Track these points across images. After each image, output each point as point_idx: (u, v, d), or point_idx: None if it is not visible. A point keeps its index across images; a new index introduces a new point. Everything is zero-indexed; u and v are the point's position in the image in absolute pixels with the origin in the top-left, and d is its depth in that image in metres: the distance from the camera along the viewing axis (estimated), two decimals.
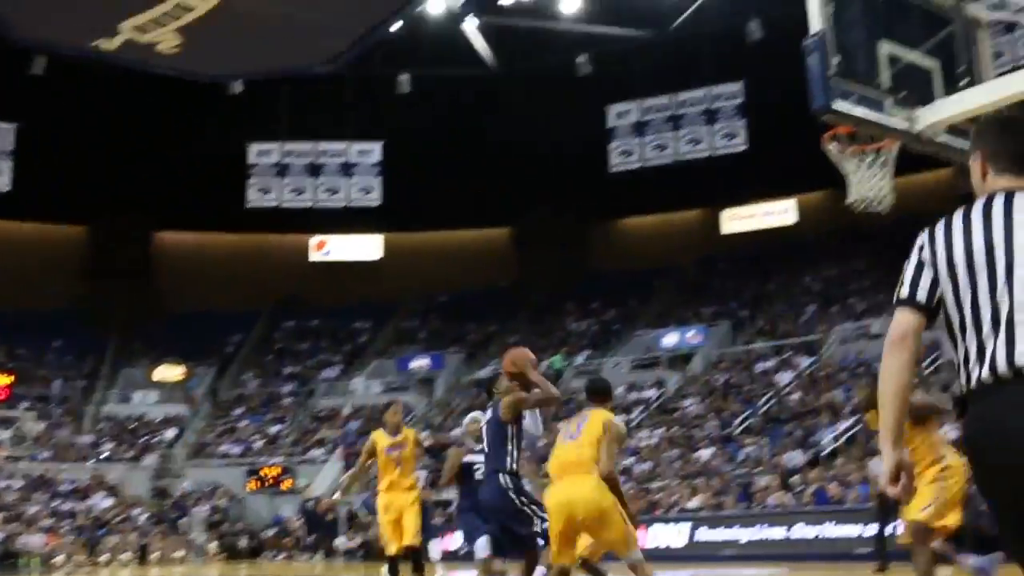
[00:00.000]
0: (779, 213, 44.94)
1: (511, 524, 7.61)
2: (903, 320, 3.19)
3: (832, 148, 7.11)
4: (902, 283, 3.24)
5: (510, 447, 7.55)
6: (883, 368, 3.18)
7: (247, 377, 43.04)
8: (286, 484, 34.21)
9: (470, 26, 36.20)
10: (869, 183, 7.20)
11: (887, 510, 13.69)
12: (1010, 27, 31.13)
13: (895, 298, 3.24)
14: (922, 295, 3.18)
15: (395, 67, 37.07)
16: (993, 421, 2.94)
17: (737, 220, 45.94)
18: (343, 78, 36.11)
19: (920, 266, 3.22)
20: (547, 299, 45.27)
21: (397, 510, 10.10)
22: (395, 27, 33.54)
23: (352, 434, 37.09)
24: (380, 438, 10.38)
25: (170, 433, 38.39)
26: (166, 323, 43.81)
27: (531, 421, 8.26)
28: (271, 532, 31.91)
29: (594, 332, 41.63)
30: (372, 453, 10.36)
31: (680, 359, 36.71)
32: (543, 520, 7.24)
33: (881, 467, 3.22)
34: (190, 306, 43.07)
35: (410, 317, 46.67)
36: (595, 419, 7.46)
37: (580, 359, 39.14)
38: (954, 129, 7.10)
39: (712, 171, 38.03)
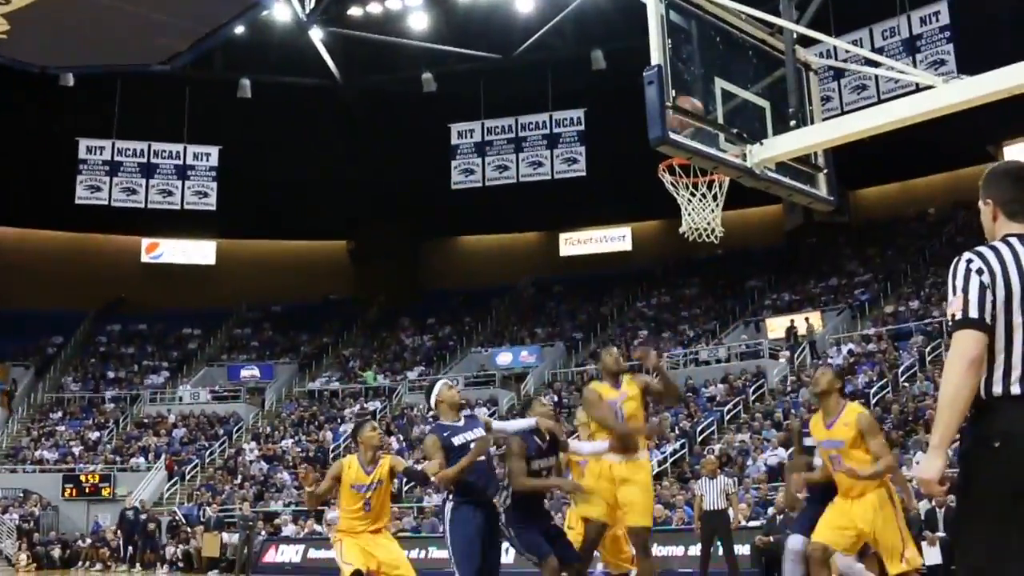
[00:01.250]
0: (615, 239, 45.96)
1: None
2: (975, 341, 3.46)
3: (667, 178, 7.33)
4: (967, 303, 3.48)
5: None
6: (955, 386, 3.41)
7: (68, 380, 41.45)
8: (106, 492, 33.06)
9: (316, 35, 35.86)
10: (701, 214, 7.45)
11: (712, 532, 14.05)
12: (839, 74, 32.38)
13: (957, 317, 3.49)
14: (988, 317, 3.46)
15: (237, 71, 36.42)
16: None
17: (574, 244, 46.78)
18: (182, 79, 35.27)
19: (983, 289, 3.48)
20: (383, 313, 45.10)
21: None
22: (239, 31, 32.92)
23: (177, 443, 36.16)
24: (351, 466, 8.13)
25: None
26: None
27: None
28: (87, 542, 30.74)
29: (429, 348, 41.64)
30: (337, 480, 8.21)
31: (514, 378, 37.05)
32: None
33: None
34: (9, 304, 41.22)
35: (242, 325, 45.81)
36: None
37: (413, 375, 39.09)
38: (783, 166, 7.41)
39: (552, 194, 38.56)
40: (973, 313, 3.46)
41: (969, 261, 3.54)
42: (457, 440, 7.48)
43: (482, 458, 7.39)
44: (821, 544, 7.73)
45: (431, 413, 8.05)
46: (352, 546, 7.90)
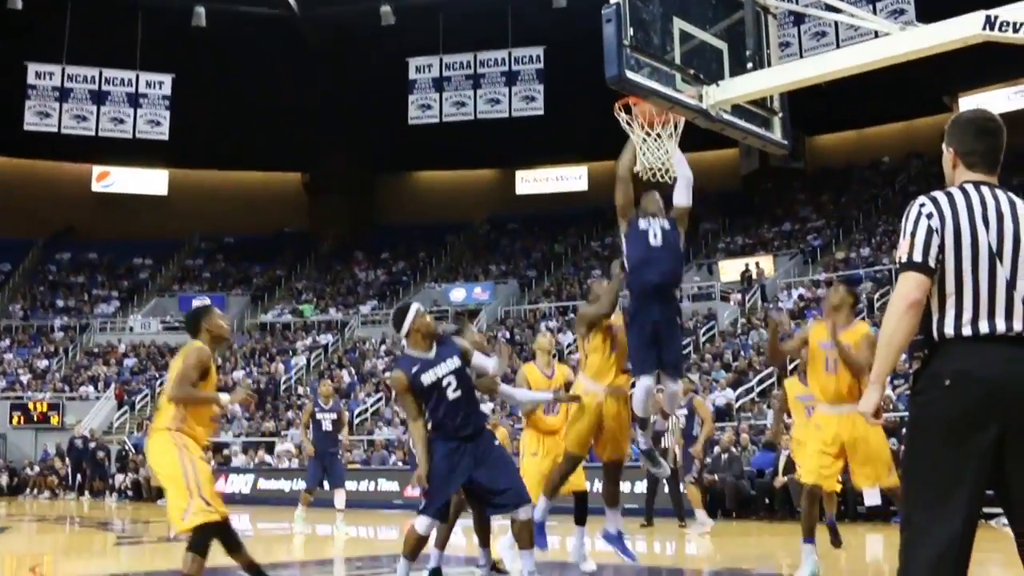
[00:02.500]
0: (572, 178, 45.96)
1: None
2: (916, 284, 3.53)
3: (622, 117, 7.34)
4: (913, 247, 3.55)
5: None
6: (892, 327, 3.51)
7: (15, 308, 41.00)
8: (54, 420, 32.92)
9: None
10: (655, 154, 7.47)
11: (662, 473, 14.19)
12: (799, 20, 32.24)
13: (903, 259, 3.56)
14: (932, 261, 3.52)
15: None
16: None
17: (531, 182, 46.75)
18: (135, 4, 34.60)
19: (930, 232, 3.54)
20: (337, 247, 44.95)
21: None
22: None
23: (127, 372, 36.00)
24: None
25: None
26: None
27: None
28: (35, 470, 30.65)
29: (383, 283, 41.61)
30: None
31: (467, 314, 37.15)
32: None
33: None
34: None
35: (194, 256, 45.48)
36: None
37: (366, 309, 39.10)
38: (739, 109, 7.45)
39: (509, 132, 38.40)
40: (917, 256, 3.52)
41: (921, 205, 3.58)
42: (427, 379, 6.86)
43: (457, 394, 6.89)
44: (811, 484, 7.83)
45: (403, 341, 7.18)
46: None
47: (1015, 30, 6.09)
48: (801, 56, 28.78)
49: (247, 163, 45.10)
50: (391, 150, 42.06)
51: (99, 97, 37.26)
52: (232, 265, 44.23)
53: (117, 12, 34.43)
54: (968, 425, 3.37)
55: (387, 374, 7.04)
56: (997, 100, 36.96)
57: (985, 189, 3.61)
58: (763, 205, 39.56)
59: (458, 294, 38.36)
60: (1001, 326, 3.47)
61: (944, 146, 3.76)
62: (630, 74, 6.45)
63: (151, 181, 46.32)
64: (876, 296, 27.60)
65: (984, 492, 3.42)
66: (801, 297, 30.06)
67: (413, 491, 22.45)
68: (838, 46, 28.47)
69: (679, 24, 6.93)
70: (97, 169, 45.59)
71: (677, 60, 6.94)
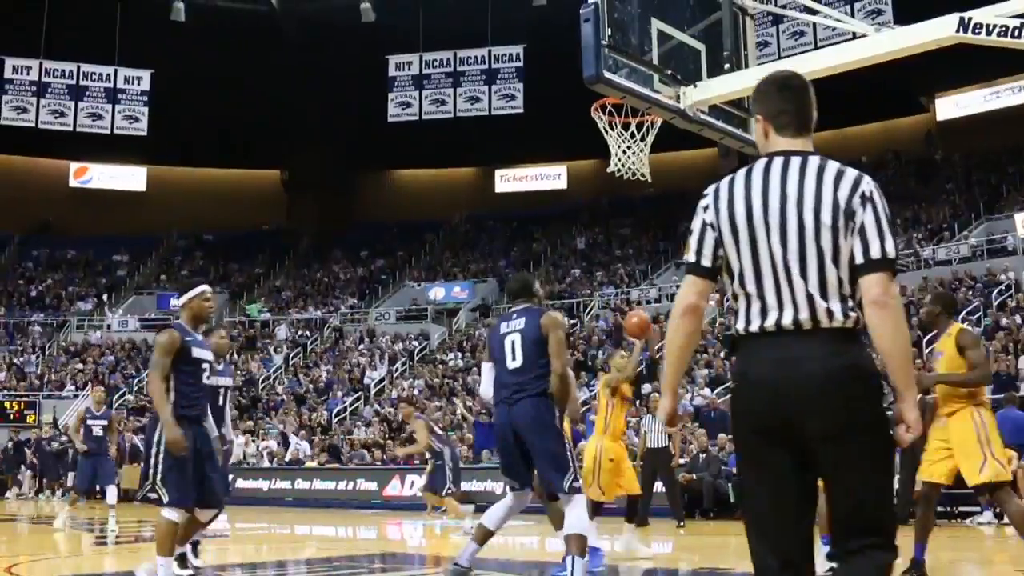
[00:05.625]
0: (551, 177, 46.02)
1: None
2: (690, 289, 3.33)
3: (599, 117, 7.37)
4: (688, 248, 3.33)
5: None
6: (669, 332, 3.33)
7: None
8: (31, 419, 32.67)
9: None
10: (628, 154, 7.51)
11: (653, 470, 14.20)
12: (778, 20, 32.35)
13: (685, 262, 3.36)
14: (707, 261, 3.29)
15: None
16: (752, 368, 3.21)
17: (510, 181, 46.77)
18: None
19: (704, 229, 3.30)
20: (315, 245, 44.85)
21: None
22: None
23: (105, 369, 35.80)
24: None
25: None
26: None
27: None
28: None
29: (361, 280, 41.55)
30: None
31: (446, 313, 37.16)
32: None
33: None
34: None
35: (172, 253, 45.29)
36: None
37: (345, 307, 39.05)
38: (716, 110, 7.48)
39: (488, 130, 38.40)
40: (691, 257, 3.31)
41: (703, 196, 3.33)
42: (196, 353, 7.10)
43: (207, 379, 7.21)
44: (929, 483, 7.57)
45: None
46: None
47: (988, 32, 6.13)
48: (779, 56, 28.87)
49: (225, 160, 44.95)
50: (370, 147, 41.98)
51: (77, 92, 37.09)
52: (210, 262, 44.07)
53: (95, 6, 34.24)
54: (755, 427, 3.16)
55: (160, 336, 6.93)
56: (974, 101, 37.24)
57: (778, 161, 3.26)
58: None
59: (437, 292, 38.34)
60: (772, 320, 3.15)
61: (754, 119, 3.47)
62: (608, 74, 6.47)
63: (129, 177, 46.12)
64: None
65: (794, 480, 3.13)
66: None
67: (391, 491, 22.50)
68: (816, 46, 28.57)
69: (657, 24, 6.95)
70: (75, 165, 45.35)
71: (655, 60, 6.96)
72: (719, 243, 3.25)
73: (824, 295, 3.12)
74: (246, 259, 44.13)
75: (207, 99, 38.03)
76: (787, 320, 3.13)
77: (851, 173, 3.21)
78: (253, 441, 27.95)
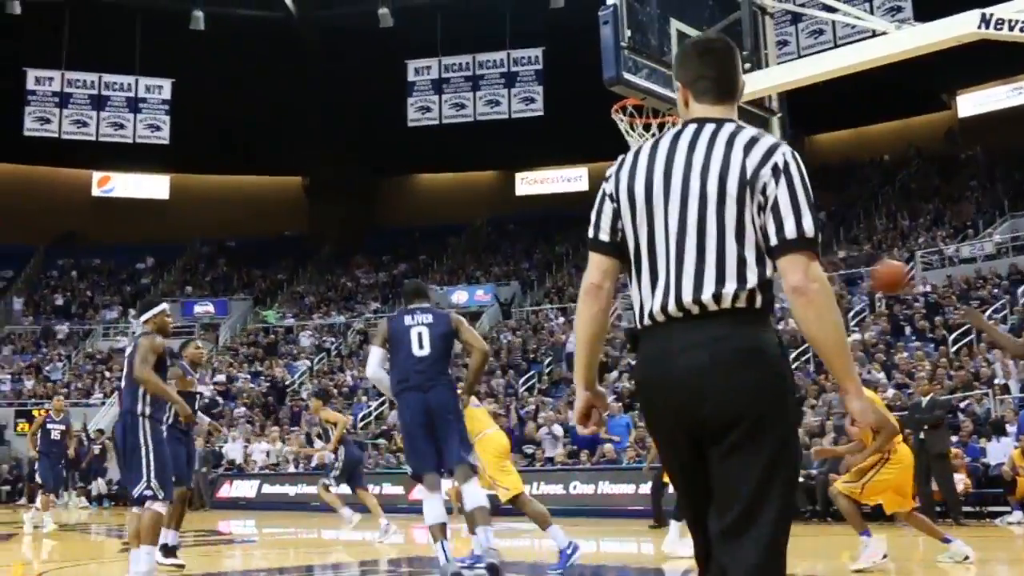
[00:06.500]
0: (572, 179, 45.96)
1: None
2: (592, 267, 3.04)
3: (620, 119, 7.37)
4: (590, 222, 3.06)
5: None
6: (576, 315, 3.04)
7: (18, 315, 41.03)
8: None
9: None
10: None
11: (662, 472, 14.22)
12: (797, 18, 32.30)
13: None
14: (604, 235, 3.03)
15: (189, 2, 35.78)
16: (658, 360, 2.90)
17: (531, 183, 46.76)
18: (133, 8, 34.65)
19: (603, 200, 3.04)
20: (337, 250, 44.96)
21: None
22: None
23: None
24: None
25: None
26: None
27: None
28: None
29: (384, 286, 41.62)
30: None
31: (469, 316, 37.14)
32: None
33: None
34: None
35: (196, 261, 45.52)
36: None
37: (368, 312, 39.12)
38: (737, 109, 7.46)
39: (509, 133, 38.41)
40: (591, 231, 3.04)
41: (610, 167, 3.07)
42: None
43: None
44: None
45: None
46: None
47: (1010, 28, 6.11)
48: (799, 54, 28.76)
49: (247, 167, 45.14)
50: (391, 152, 42.07)
51: (99, 102, 37.34)
52: (233, 269, 44.25)
53: (115, 17, 34.47)
54: (657, 428, 2.97)
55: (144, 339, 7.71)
56: (996, 97, 36.99)
57: (690, 128, 3.00)
58: None
59: (460, 296, 38.37)
60: (659, 306, 2.88)
61: (676, 86, 3.16)
62: (628, 75, 6.48)
63: (152, 186, 46.36)
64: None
65: (704, 480, 2.88)
66: None
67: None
68: (836, 44, 28.45)
69: (676, 25, 6.96)
70: (98, 174, 45.59)
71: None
72: (616, 215, 2.99)
73: (720, 276, 2.82)
74: (269, 265, 44.31)
75: (228, 107, 38.21)
76: (672, 307, 2.84)
77: (767, 140, 2.93)
78: (283, 441, 28.04)
